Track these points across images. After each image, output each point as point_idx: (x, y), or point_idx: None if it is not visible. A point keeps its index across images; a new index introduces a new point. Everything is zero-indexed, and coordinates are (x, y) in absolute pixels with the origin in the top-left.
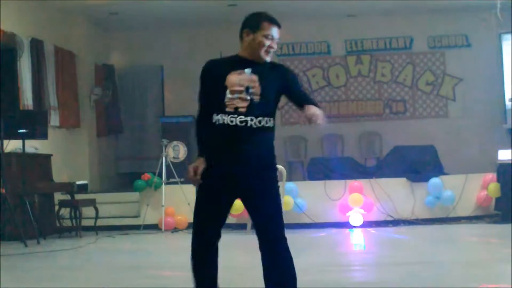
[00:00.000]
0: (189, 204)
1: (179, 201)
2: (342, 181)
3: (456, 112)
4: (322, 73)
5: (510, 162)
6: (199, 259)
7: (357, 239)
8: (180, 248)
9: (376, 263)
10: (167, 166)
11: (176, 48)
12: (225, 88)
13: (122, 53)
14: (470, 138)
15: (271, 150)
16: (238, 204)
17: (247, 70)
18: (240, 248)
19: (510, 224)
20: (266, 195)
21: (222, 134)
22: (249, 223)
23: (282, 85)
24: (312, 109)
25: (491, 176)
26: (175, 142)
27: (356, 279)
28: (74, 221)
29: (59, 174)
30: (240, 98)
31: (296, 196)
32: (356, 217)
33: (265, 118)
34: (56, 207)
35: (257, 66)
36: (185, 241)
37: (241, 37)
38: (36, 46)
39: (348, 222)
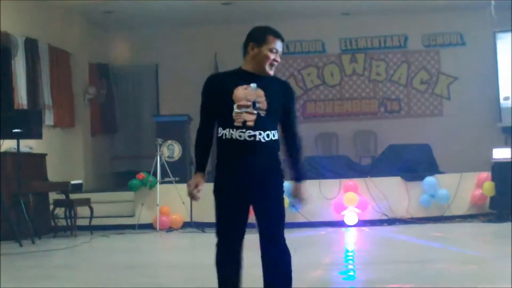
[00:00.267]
0: (183, 203)
1: (174, 200)
2: (337, 180)
3: (450, 110)
4: (317, 72)
5: (504, 160)
6: (224, 270)
7: (352, 238)
8: (175, 247)
9: (371, 262)
10: (162, 165)
11: (171, 47)
12: (232, 102)
13: (117, 52)
14: (465, 136)
15: (277, 158)
16: None
17: (253, 85)
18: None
19: (504, 223)
20: (273, 199)
21: (231, 148)
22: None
23: (283, 102)
24: (303, 194)
25: (486, 174)
26: (170, 141)
27: (351, 277)
28: (69, 220)
29: (53, 174)
30: (247, 112)
31: (291, 195)
32: (351, 216)
33: (272, 132)
34: (51, 207)
35: (262, 80)
36: (180, 240)
37: (245, 50)
38: (31, 45)
39: (343, 221)
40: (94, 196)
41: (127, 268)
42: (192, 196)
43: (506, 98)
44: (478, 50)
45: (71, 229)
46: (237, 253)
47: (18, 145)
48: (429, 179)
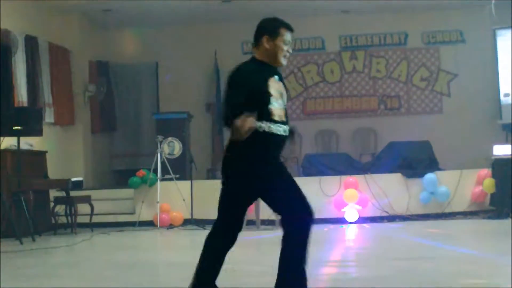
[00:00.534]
0: (184, 200)
1: (174, 197)
2: (337, 177)
3: (450, 107)
4: (317, 69)
5: (505, 157)
6: (216, 255)
7: (352, 234)
8: (175, 245)
9: (371, 259)
10: (162, 163)
11: (171, 45)
12: (269, 95)
13: (116, 50)
14: (465, 133)
15: None
16: None
17: (276, 77)
18: (235, 244)
19: (504, 220)
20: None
21: (267, 141)
22: (244, 220)
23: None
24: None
25: (486, 171)
26: (170, 139)
27: (351, 274)
28: (69, 218)
29: (54, 171)
30: (279, 107)
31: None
32: (351, 213)
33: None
34: (51, 204)
35: (278, 71)
36: (180, 237)
37: (257, 43)
38: (31, 43)
39: (343, 218)
40: (94, 194)
41: (127, 265)
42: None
43: (506, 95)
44: (478, 47)
45: (71, 227)
46: (233, 242)
47: (18, 143)
48: (429, 176)
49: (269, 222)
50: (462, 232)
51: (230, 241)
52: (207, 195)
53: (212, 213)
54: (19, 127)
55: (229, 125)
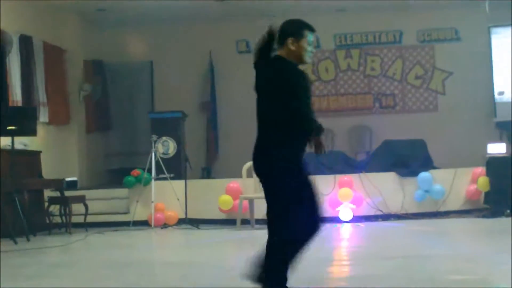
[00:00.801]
0: (178, 199)
1: (169, 197)
2: (332, 176)
3: (445, 106)
4: (312, 67)
5: (499, 155)
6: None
7: (347, 233)
8: (169, 244)
9: (365, 257)
10: (157, 162)
11: (165, 44)
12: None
13: (111, 49)
14: (459, 131)
15: None
16: (227, 200)
17: None
18: (230, 243)
19: (499, 218)
20: None
21: (305, 137)
22: (239, 219)
23: None
24: None
25: (481, 170)
26: (164, 138)
27: (345, 273)
28: (63, 217)
29: (48, 171)
30: None
31: None
32: (345, 211)
33: None
34: (46, 204)
35: None
36: (174, 237)
37: (281, 44)
38: (25, 42)
39: (337, 217)
40: (89, 193)
41: (122, 265)
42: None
43: (500, 93)
44: (473, 45)
45: (66, 226)
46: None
47: (12, 142)
48: (423, 175)
49: (263, 221)
50: (456, 231)
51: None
52: (201, 195)
53: (206, 212)
54: (13, 127)
55: (311, 131)
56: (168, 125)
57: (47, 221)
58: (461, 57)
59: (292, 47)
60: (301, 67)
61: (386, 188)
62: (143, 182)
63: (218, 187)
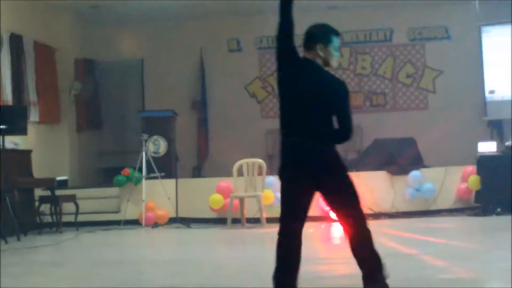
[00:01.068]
0: (169, 198)
1: (160, 196)
2: None
3: (436, 104)
4: None
5: (490, 154)
6: None
7: (338, 232)
8: (160, 243)
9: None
10: (148, 161)
11: (156, 42)
12: None
13: (102, 47)
14: (450, 130)
15: None
16: (218, 198)
17: None
18: (221, 242)
19: (490, 217)
20: None
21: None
22: (230, 217)
23: None
24: None
25: (471, 168)
26: (155, 137)
27: (336, 272)
28: (54, 217)
29: (39, 170)
30: None
31: (276, 190)
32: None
33: None
34: (36, 203)
35: None
36: (165, 236)
37: (310, 48)
38: (16, 41)
39: (328, 216)
40: (79, 192)
41: (113, 264)
42: None
43: (491, 92)
44: (463, 43)
45: (57, 226)
46: None
47: (3, 142)
48: (414, 173)
49: (254, 220)
50: (447, 229)
51: None
52: (192, 194)
53: (197, 211)
54: (3, 126)
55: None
56: (159, 124)
57: (38, 220)
58: (451, 55)
59: (321, 53)
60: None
61: (376, 186)
62: (134, 181)
63: (208, 186)
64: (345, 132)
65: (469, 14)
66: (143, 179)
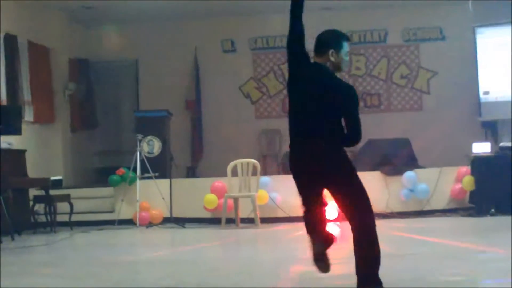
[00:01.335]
0: (163, 198)
1: (154, 195)
2: None
3: (430, 105)
4: None
5: (484, 155)
6: None
7: (335, 232)
8: (154, 243)
9: (351, 256)
10: (142, 161)
11: (150, 42)
12: None
13: (96, 47)
14: (444, 131)
15: None
16: (212, 198)
17: None
18: (215, 242)
19: (484, 217)
20: None
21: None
22: (224, 217)
23: None
24: None
25: (466, 169)
26: (149, 137)
27: (331, 272)
28: (48, 216)
29: (33, 170)
30: None
31: (271, 190)
32: (330, 211)
33: None
34: (31, 203)
35: None
36: (159, 235)
37: (322, 53)
38: (10, 42)
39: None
40: (74, 192)
41: (107, 264)
42: None
43: (485, 93)
44: (458, 44)
45: (51, 225)
46: None
47: None
48: (408, 174)
49: (248, 220)
50: (442, 230)
51: None
52: (186, 194)
53: (191, 211)
54: None
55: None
56: (153, 124)
57: (32, 220)
58: (446, 56)
59: (332, 58)
60: (286, 67)
61: (371, 187)
62: (128, 181)
63: (203, 186)
64: (354, 136)
65: (464, 15)
66: (138, 179)
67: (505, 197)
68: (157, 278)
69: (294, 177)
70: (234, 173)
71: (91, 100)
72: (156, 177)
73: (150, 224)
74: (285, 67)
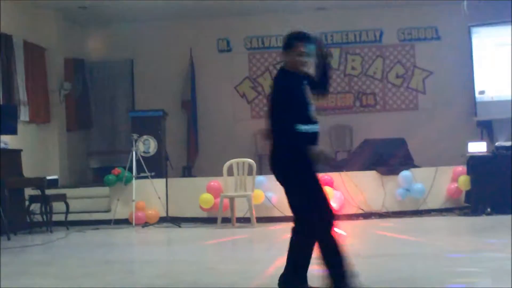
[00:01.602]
0: (159, 198)
1: (150, 195)
2: None
3: (426, 104)
4: None
5: (480, 154)
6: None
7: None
8: (150, 243)
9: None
10: (138, 161)
11: (146, 42)
12: (309, 101)
13: (92, 47)
14: (440, 130)
15: None
16: (208, 198)
17: (305, 83)
18: (211, 241)
19: (479, 216)
20: None
21: (314, 139)
22: (220, 217)
23: None
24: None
25: (461, 168)
26: (145, 137)
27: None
28: (44, 216)
29: (29, 169)
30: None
31: (267, 190)
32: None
33: None
34: (27, 202)
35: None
36: (155, 235)
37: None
38: (5, 42)
39: None
40: (69, 192)
41: (103, 263)
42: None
43: (481, 92)
44: (453, 44)
45: (47, 225)
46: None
47: None
48: (404, 173)
49: (244, 220)
50: (437, 229)
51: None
52: (182, 193)
53: (187, 211)
54: None
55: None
56: (149, 124)
57: (28, 220)
58: (441, 56)
59: (286, 58)
60: None
61: (367, 186)
62: (124, 181)
63: (199, 185)
64: (277, 137)
65: (459, 14)
66: (133, 178)
67: (501, 196)
68: (153, 277)
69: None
70: (230, 172)
71: (86, 100)
72: (152, 177)
73: (146, 224)
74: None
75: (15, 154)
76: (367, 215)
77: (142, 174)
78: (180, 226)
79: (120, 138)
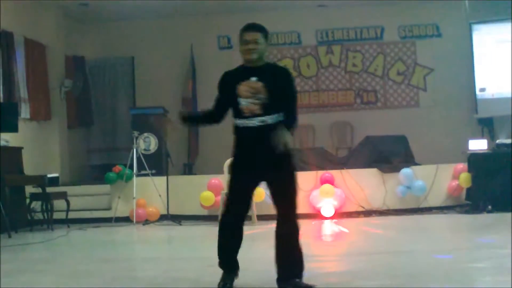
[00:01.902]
0: (160, 196)
1: (150, 193)
2: (313, 172)
3: (427, 102)
4: (293, 64)
5: (480, 151)
6: (227, 231)
7: (328, 230)
8: (151, 240)
9: (347, 253)
10: (138, 158)
11: (147, 39)
12: (237, 96)
13: (93, 44)
14: (441, 128)
15: None
16: (209, 196)
17: (253, 78)
18: (211, 239)
19: (480, 214)
20: (286, 180)
21: (245, 134)
22: (220, 215)
23: (283, 86)
24: (282, 138)
25: (462, 166)
26: (146, 134)
27: (327, 269)
28: (45, 214)
29: (30, 167)
30: (252, 103)
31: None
32: (327, 208)
33: (281, 113)
34: (27, 200)
35: (261, 71)
36: (156, 233)
37: None
38: (6, 38)
39: (319, 213)
40: (70, 189)
41: (103, 261)
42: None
43: (482, 90)
44: (454, 41)
45: (48, 223)
46: (238, 223)
47: None
48: (405, 171)
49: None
50: (438, 226)
51: (234, 222)
52: (183, 191)
53: (188, 208)
54: None
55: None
56: (150, 121)
57: (29, 218)
58: (442, 53)
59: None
60: (282, 63)
61: (368, 184)
62: (125, 178)
63: (199, 183)
64: None
65: (460, 12)
66: (134, 176)
67: (502, 194)
68: (154, 275)
69: None
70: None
71: (87, 97)
72: (153, 174)
73: (146, 221)
74: (281, 64)
75: (16, 151)
76: (367, 213)
77: (142, 172)
78: (180, 224)
79: (120, 136)
